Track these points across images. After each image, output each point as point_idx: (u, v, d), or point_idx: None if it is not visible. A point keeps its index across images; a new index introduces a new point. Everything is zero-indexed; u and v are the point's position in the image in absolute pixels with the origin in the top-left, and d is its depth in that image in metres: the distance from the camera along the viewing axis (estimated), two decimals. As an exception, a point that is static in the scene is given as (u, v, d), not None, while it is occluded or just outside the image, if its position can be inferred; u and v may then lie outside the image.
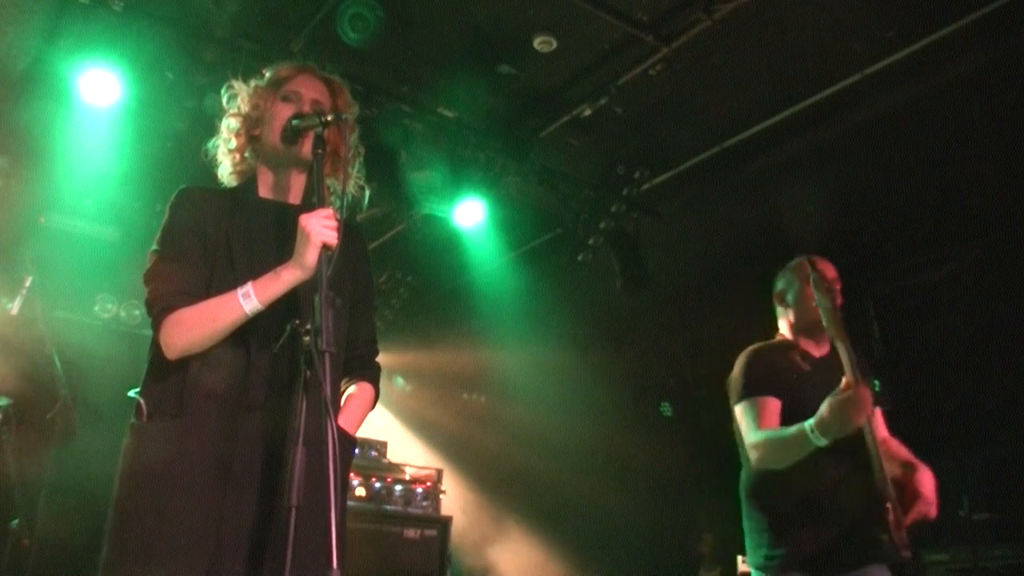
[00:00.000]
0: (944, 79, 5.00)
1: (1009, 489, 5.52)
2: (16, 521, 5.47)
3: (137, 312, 7.16)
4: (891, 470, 3.54)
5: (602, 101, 5.40)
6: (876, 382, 6.13)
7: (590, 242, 6.38)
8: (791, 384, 3.42)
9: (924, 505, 3.37)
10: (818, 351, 3.57)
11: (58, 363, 5.59)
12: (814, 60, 5.11)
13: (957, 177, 5.47)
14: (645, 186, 6.28)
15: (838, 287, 3.58)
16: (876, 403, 3.73)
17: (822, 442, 3.12)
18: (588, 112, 5.55)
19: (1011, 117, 5.15)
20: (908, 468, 3.52)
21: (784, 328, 3.70)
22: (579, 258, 6.45)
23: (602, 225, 6.33)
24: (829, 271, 3.60)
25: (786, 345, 3.59)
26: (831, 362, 3.45)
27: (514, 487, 8.52)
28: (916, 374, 6.22)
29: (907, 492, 3.41)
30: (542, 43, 5.08)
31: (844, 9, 4.69)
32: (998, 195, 5.51)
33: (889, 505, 3.23)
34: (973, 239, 6.19)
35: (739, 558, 5.76)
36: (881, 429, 3.69)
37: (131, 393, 2.31)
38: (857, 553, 3.25)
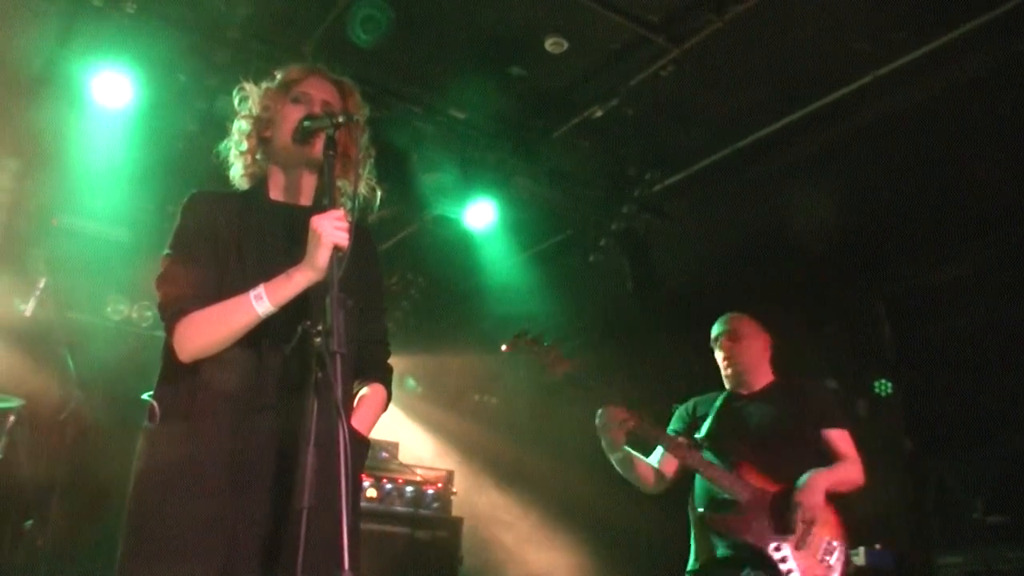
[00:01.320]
0: (952, 80, 4.98)
1: (1022, 491, 5.49)
2: (30, 522, 5.50)
3: (149, 313, 7.16)
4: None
5: (613, 102, 5.39)
6: (888, 384, 6.16)
7: (601, 243, 6.36)
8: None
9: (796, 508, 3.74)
10: (746, 390, 4.21)
11: (71, 364, 5.62)
12: (825, 61, 5.08)
13: (965, 178, 5.45)
14: (656, 187, 6.27)
15: (722, 342, 4.30)
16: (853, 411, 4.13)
17: (613, 458, 4.22)
18: (599, 113, 5.52)
19: (1018, 118, 5.13)
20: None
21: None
22: (590, 259, 6.44)
23: (613, 227, 6.32)
24: (713, 330, 4.38)
25: (709, 394, 4.36)
26: (761, 396, 4.14)
27: (525, 489, 8.50)
28: (924, 374, 6.19)
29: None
30: (554, 44, 5.07)
31: (853, 11, 4.67)
32: (1005, 196, 5.50)
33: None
34: (980, 239, 6.16)
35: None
36: (844, 446, 4.04)
37: (144, 396, 2.32)
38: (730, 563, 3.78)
